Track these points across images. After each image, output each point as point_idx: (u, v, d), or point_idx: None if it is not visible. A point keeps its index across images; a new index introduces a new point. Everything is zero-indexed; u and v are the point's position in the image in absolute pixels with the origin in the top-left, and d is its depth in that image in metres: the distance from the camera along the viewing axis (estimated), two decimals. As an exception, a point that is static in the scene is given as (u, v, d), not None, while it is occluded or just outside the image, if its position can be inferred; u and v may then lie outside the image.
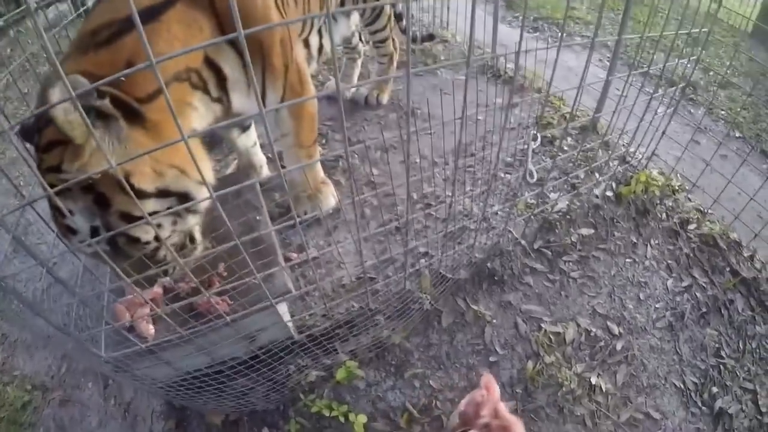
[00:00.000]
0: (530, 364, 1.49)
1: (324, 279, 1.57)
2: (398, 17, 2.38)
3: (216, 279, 1.28)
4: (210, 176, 1.18)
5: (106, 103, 0.87)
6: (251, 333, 1.29)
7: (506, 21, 3.86)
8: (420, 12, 3.28)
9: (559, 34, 3.47)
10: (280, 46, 1.33)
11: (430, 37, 2.75)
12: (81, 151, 0.89)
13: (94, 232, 0.98)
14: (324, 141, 2.17)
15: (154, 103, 1.00)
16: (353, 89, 2.46)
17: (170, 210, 1.02)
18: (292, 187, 1.77)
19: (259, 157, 1.92)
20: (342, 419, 1.37)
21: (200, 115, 1.21)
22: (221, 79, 1.23)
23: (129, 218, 0.97)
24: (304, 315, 1.47)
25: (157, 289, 1.30)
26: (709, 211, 1.95)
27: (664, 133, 1.82)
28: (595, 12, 3.84)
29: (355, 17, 2.19)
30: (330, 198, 1.76)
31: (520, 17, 3.80)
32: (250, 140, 1.85)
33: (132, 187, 0.95)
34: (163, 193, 1.03)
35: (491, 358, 1.50)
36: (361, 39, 2.50)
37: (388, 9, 2.19)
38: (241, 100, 1.30)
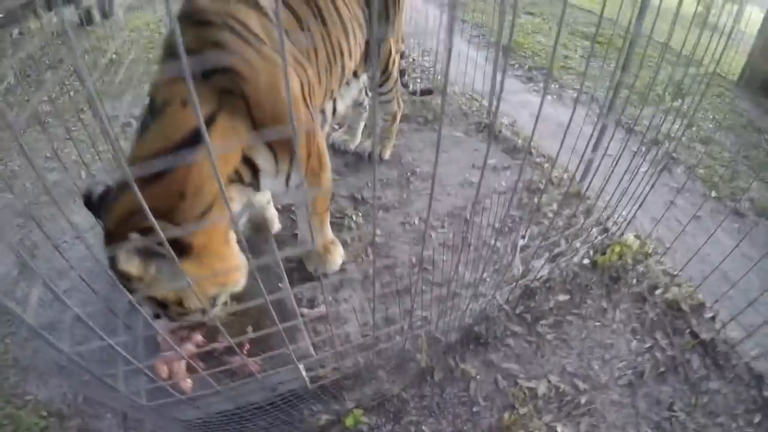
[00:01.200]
0: (506, 415, 1.77)
1: (334, 336, 1.84)
2: (401, 73, 2.62)
3: (246, 342, 1.57)
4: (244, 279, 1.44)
5: (163, 249, 1.14)
6: (273, 385, 1.58)
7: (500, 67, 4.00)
8: (422, 57, 3.44)
9: (544, 86, 3.60)
10: (305, 139, 1.58)
11: (429, 92, 2.95)
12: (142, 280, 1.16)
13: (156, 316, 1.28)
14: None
15: (202, 232, 1.25)
16: (357, 143, 2.69)
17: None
18: (304, 245, 2.05)
19: (272, 212, 2.20)
20: None
21: (236, 202, 1.48)
22: (255, 170, 1.47)
23: (181, 312, 1.26)
24: (317, 369, 1.76)
25: (191, 347, 1.57)
26: (679, 273, 2.20)
27: (644, 198, 2.05)
28: (593, 63, 3.93)
29: (364, 78, 2.43)
30: (338, 259, 2.04)
31: (516, 65, 3.95)
32: (264, 198, 2.12)
33: (181, 304, 1.24)
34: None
35: (474, 408, 1.79)
36: (366, 93, 2.69)
37: (395, 72, 2.45)
38: (268, 182, 1.55)
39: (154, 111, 1.27)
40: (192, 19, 1.32)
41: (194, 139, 1.18)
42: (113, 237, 1.15)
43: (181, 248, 1.19)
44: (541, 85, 3.65)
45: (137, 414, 1.69)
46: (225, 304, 1.46)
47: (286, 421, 1.64)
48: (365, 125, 2.81)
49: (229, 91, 1.31)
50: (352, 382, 1.74)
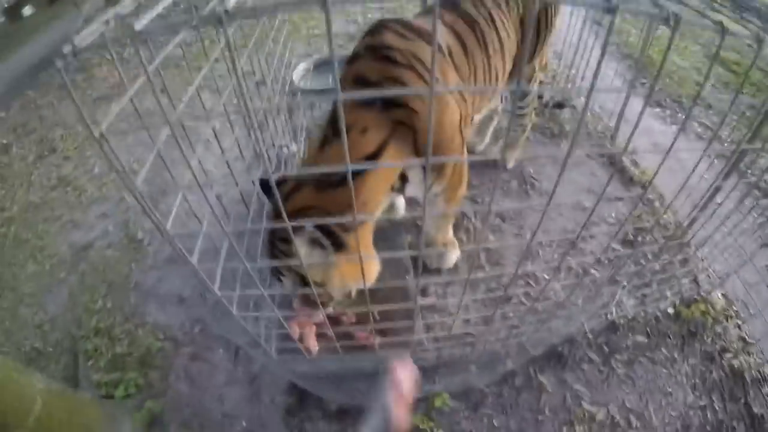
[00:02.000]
0: (564, 429, 2.04)
1: (440, 326, 2.10)
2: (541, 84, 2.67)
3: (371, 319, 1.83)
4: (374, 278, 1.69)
5: (326, 242, 1.41)
6: (382, 359, 1.86)
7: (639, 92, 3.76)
8: (560, 66, 3.38)
9: (681, 122, 3.39)
10: (452, 163, 1.78)
11: (560, 105, 2.98)
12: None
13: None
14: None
15: (353, 233, 1.49)
16: (485, 144, 2.79)
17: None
18: (426, 240, 2.26)
19: (400, 200, 2.40)
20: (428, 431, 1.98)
21: (383, 204, 1.73)
22: (404, 180, 1.73)
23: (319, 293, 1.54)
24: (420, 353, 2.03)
25: (321, 317, 1.83)
26: (753, 342, 2.31)
27: (745, 261, 2.14)
28: (722, 95, 3.71)
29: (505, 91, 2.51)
30: (453, 258, 2.25)
31: (645, 84, 3.74)
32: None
33: (322, 286, 1.55)
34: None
35: (539, 417, 2.06)
36: (501, 99, 2.77)
37: (535, 89, 2.50)
38: (412, 190, 1.81)
39: (336, 128, 1.50)
40: (378, 54, 1.51)
41: (370, 158, 1.47)
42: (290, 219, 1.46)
43: (339, 244, 1.46)
44: (668, 112, 3.56)
45: (255, 354, 1.96)
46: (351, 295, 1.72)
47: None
48: (494, 129, 2.87)
49: (401, 123, 1.51)
50: (445, 369, 2.01)
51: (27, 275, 2.79)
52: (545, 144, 2.88)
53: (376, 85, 1.48)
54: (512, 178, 2.67)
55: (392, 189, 1.72)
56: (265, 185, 1.59)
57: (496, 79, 2.04)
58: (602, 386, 2.16)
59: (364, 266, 1.51)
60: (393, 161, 1.54)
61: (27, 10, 5.17)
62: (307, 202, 1.47)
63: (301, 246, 1.38)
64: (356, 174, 1.44)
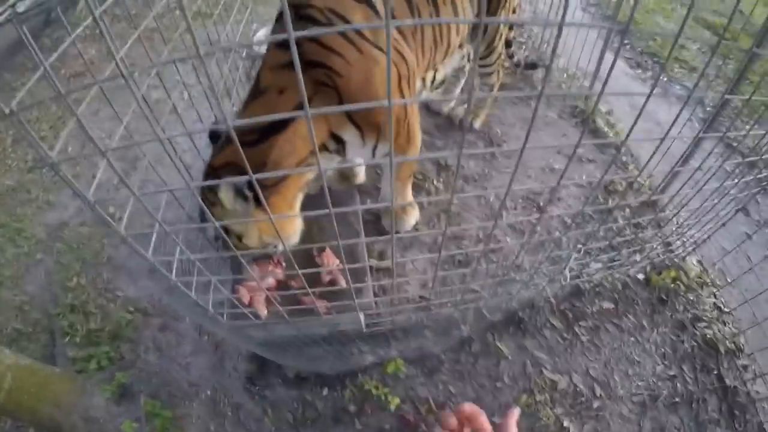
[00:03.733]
0: (524, 397, 1.95)
1: (394, 289, 2.00)
2: (508, 44, 2.55)
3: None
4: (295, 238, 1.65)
5: (249, 194, 1.38)
6: (334, 324, 1.77)
7: (613, 47, 3.69)
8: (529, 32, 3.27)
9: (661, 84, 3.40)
10: (395, 123, 1.68)
11: (533, 66, 2.87)
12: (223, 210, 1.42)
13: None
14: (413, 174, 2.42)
15: (275, 189, 1.49)
16: (451, 105, 2.68)
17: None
18: (383, 201, 2.14)
19: (361, 166, 2.28)
20: (382, 398, 1.89)
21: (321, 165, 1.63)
22: (340, 142, 1.63)
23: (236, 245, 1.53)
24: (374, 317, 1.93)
25: (272, 281, 1.76)
26: (729, 311, 2.22)
27: (721, 225, 2.04)
28: (705, 56, 3.62)
29: (467, 48, 2.40)
30: (412, 220, 2.14)
31: (627, 46, 3.67)
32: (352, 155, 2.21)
33: (240, 240, 1.54)
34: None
35: (498, 384, 1.97)
36: (468, 59, 2.66)
37: (500, 48, 2.39)
38: (354, 152, 1.70)
39: (257, 89, 1.49)
40: (299, 13, 1.44)
41: (283, 122, 1.43)
42: (213, 173, 1.44)
43: (258, 200, 1.42)
44: (649, 74, 3.44)
45: (211, 325, 1.92)
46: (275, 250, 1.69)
47: (338, 354, 1.84)
48: (462, 90, 2.77)
49: (323, 83, 1.45)
50: (401, 334, 1.91)
51: (7, 258, 2.80)
52: (515, 105, 2.77)
53: (297, 46, 1.39)
54: (478, 139, 2.57)
55: (328, 151, 1.63)
56: (212, 137, 1.60)
57: (448, 33, 1.93)
58: (565, 353, 2.06)
59: (284, 223, 1.57)
60: (313, 121, 1.45)
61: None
62: (230, 157, 1.46)
63: (226, 192, 1.38)
64: (271, 132, 1.43)
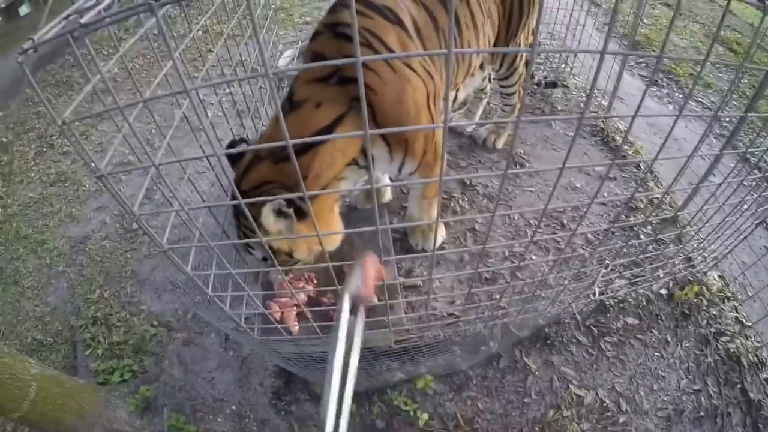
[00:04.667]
0: (551, 413, 1.99)
1: (424, 305, 2.05)
2: (527, 63, 2.60)
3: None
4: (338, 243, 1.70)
5: (290, 211, 1.41)
6: (365, 340, 1.81)
7: (627, 66, 3.68)
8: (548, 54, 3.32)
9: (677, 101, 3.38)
10: (422, 140, 1.72)
11: (553, 85, 2.92)
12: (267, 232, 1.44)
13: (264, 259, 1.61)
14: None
15: (315, 200, 1.53)
16: (473, 127, 2.73)
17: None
18: (410, 220, 2.20)
19: (386, 182, 2.34)
20: (411, 414, 1.93)
21: (350, 180, 1.69)
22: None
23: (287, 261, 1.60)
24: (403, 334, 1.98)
25: (303, 297, 1.80)
26: (750, 325, 2.23)
27: (741, 240, 2.05)
28: (721, 74, 3.62)
29: (489, 69, 2.45)
30: (439, 238, 2.18)
31: (642, 64, 3.69)
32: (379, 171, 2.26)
33: (291, 256, 1.59)
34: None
35: (525, 399, 2.01)
36: (489, 80, 2.72)
37: (521, 69, 2.44)
38: (382, 167, 1.76)
39: (292, 102, 1.52)
40: (335, 31, 1.50)
41: (325, 131, 1.46)
42: (248, 194, 1.47)
43: (300, 214, 1.46)
44: (665, 91, 3.47)
45: (241, 338, 1.96)
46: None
47: (367, 371, 1.89)
48: (483, 110, 2.82)
49: (358, 99, 1.46)
50: (429, 350, 1.96)
51: (28, 269, 2.87)
52: (536, 125, 2.80)
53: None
54: (501, 158, 2.60)
55: (357, 165, 1.68)
56: (231, 157, 1.62)
57: (470, 55, 2.00)
58: (591, 369, 2.09)
59: (331, 230, 1.61)
60: (349, 131, 1.53)
61: (23, 9, 5.28)
62: (264, 176, 1.49)
63: (267, 216, 1.40)
64: (310, 146, 1.46)
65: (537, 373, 2.05)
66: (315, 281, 1.85)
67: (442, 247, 2.18)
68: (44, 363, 2.15)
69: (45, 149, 3.90)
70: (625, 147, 2.72)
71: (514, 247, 2.26)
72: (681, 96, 3.37)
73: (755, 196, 2.00)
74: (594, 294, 1.89)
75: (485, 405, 1.99)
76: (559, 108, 3.01)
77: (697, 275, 2.34)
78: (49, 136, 4.02)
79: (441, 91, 1.80)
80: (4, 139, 4.09)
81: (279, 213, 1.42)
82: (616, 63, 2.81)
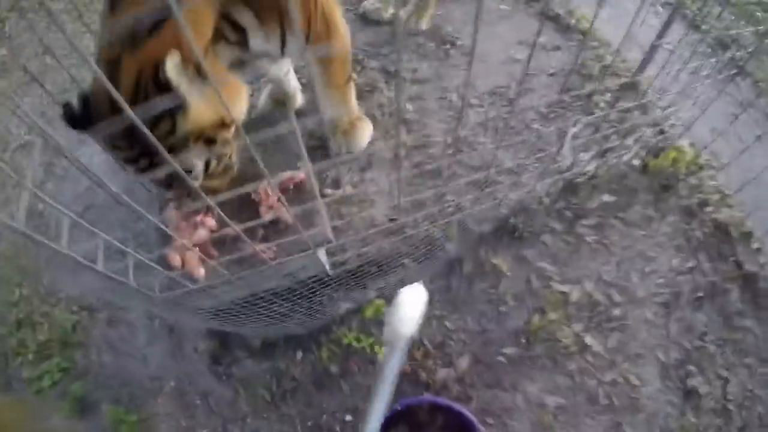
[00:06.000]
0: (536, 318, 1.60)
1: (357, 219, 1.59)
2: None
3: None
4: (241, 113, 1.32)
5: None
6: (291, 271, 1.36)
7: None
8: None
9: None
10: (299, 4, 1.29)
11: None
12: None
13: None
14: (359, 68, 2.08)
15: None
16: (390, 11, 2.29)
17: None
18: (328, 123, 1.74)
19: (293, 84, 1.85)
20: (368, 350, 1.50)
21: (224, 59, 1.27)
22: (240, 31, 1.25)
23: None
24: (339, 254, 1.52)
25: (204, 233, 1.37)
26: (731, 194, 1.96)
27: (707, 105, 1.79)
28: None
29: None
30: (365, 136, 1.73)
31: None
32: (281, 70, 1.78)
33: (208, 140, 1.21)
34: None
35: (501, 308, 1.61)
36: None
37: None
38: (258, 44, 1.29)
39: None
40: None
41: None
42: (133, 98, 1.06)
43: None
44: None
45: (154, 308, 1.54)
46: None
47: (307, 309, 1.44)
48: None
49: None
50: (376, 269, 1.52)
51: None
52: (463, 3, 2.37)
53: None
54: (428, 40, 2.17)
55: (227, 41, 1.24)
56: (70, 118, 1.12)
57: None
58: (571, 260, 1.73)
59: (230, 89, 1.26)
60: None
61: None
62: (135, 67, 1.08)
63: (172, 68, 1.05)
64: (158, 26, 1.07)
65: (509, 273, 1.66)
66: (215, 212, 1.38)
67: (370, 146, 1.72)
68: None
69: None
70: (567, 16, 2.34)
71: (457, 132, 1.83)
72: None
73: (713, 60, 1.74)
74: (561, 169, 1.52)
75: (455, 323, 1.58)
76: None
77: (669, 142, 2.01)
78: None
79: None
80: None
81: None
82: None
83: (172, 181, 1.25)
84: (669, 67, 1.63)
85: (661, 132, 2.05)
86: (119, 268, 0.93)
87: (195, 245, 1.35)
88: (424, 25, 2.24)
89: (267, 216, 1.42)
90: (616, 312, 1.69)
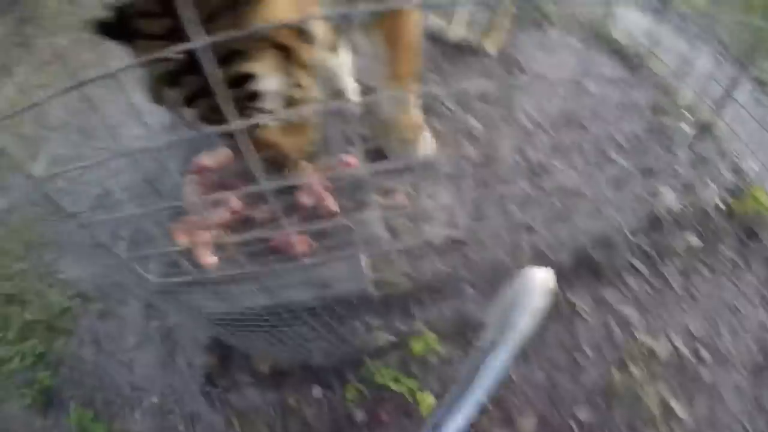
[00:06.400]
0: (617, 374, 1.35)
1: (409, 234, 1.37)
2: None
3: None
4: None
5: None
6: (325, 280, 1.11)
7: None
8: None
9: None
10: None
11: None
12: None
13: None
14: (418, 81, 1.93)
15: None
16: (459, 34, 2.18)
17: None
18: (385, 126, 1.54)
19: (350, 84, 1.68)
20: (408, 396, 1.22)
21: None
22: None
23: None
24: (385, 272, 1.29)
25: (225, 214, 1.14)
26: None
27: None
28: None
29: None
30: (425, 144, 1.54)
31: None
32: (341, 66, 1.60)
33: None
34: None
35: (577, 357, 1.36)
36: None
37: None
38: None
39: None
40: None
41: None
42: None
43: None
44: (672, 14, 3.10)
45: (151, 298, 1.31)
46: None
47: (335, 334, 1.19)
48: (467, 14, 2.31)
49: None
50: (428, 296, 1.28)
51: None
52: (530, 34, 2.27)
53: None
54: (496, 64, 2.07)
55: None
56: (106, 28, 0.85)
57: None
58: (656, 307, 1.48)
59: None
60: None
61: None
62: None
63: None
64: None
65: (588, 317, 1.41)
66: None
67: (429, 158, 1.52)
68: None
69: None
70: (632, 51, 2.21)
71: (527, 152, 1.63)
72: (678, 18, 2.99)
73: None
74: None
75: (520, 372, 1.32)
76: (554, 18, 2.53)
77: (749, 184, 1.82)
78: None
79: None
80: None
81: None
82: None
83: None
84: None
85: (740, 174, 1.86)
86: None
87: (209, 226, 1.14)
88: (493, 49, 2.13)
89: (307, 201, 1.19)
90: (704, 372, 1.43)
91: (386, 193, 1.47)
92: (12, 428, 1.68)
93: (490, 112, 1.76)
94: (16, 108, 0.60)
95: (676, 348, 1.43)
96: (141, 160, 1.27)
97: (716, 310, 1.54)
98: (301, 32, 0.95)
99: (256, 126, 0.95)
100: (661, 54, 2.07)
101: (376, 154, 1.57)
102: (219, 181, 1.27)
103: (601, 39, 2.30)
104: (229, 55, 0.84)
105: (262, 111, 0.92)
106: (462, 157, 1.60)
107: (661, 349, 1.41)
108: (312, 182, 1.22)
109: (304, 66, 0.97)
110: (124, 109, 2.19)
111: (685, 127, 1.99)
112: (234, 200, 1.18)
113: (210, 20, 0.80)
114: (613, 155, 1.68)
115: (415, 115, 1.56)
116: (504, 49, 2.17)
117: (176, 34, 0.79)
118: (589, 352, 1.36)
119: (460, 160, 1.57)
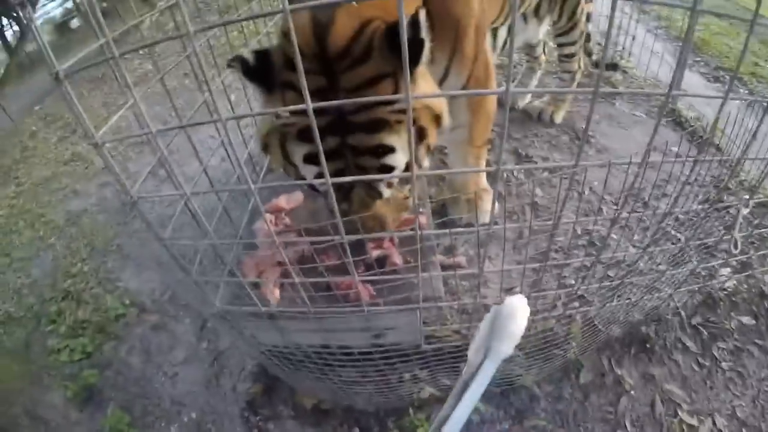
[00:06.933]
0: (657, 452, 1.39)
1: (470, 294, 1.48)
2: (587, 37, 2.23)
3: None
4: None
5: None
6: (381, 329, 1.21)
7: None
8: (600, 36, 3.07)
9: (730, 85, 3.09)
10: (473, 33, 1.26)
11: (614, 67, 2.65)
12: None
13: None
14: (489, 147, 2.04)
15: None
16: (527, 101, 2.31)
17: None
18: (452, 187, 1.66)
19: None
20: None
21: None
22: None
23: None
24: (437, 325, 1.39)
25: (293, 255, 1.24)
26: None
27: None
28: None
29: (546, 25, 2.09)
30: (489, 210, 1.65)
31: (701, 62, 3.46)
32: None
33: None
34: None
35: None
36: (544, 51, 2.42)
37: (582, 24, 2.07)
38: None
39: None
40: None
41: None
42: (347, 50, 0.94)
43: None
44: (728, 87, 3.14)
45: (210, 319, 1.44)
46: None
47: (384, 380, 1.30)
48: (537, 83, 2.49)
49: None
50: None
51: (22, 242, 2.79)
52: (597, 104, 2.33)
53: None
54: (561, 133, 2.17)
55: None
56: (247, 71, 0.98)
57: None
58: (703, 387, 1.51)
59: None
60: None
61: (75, 22, 5.96)
62: (357, 15, 0.96)
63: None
64: None
65: (633, 392, 1.46)
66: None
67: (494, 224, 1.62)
68: (10, 338, 2.10)
69: (68, 135, 3.95)
70: (699, 128, 2.27)
71: (589, 225, 1.71)
72: (746, 92, 3.04)
73: None
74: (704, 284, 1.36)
75: (561, 440, 1.39)
76: (621, 89, 2.66)
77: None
78: (75, 124, 4.00)
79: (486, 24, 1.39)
80: (34, 128, 4.32)
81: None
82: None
83: (353, 185, 1.05)
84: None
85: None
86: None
87: (279, 264, 1.20)
88: (558, 119, 2.25)
89: (374, 253, 1.29)
90: (748, 458, 1.45)
91: (448, 251, 1.59)
92: (47, 415, 1.75)
93: (553, 182, 1.85)
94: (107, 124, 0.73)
95: (720, 429, 1.46)
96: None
97: (765, 392, 1.55)
98: (437, 116, 1.06)
99: (375, 196, 1.07)
100: (726, 128, 2.08)
101: (440, 213, 1.69)
102: (291, 224, 1.40)
103: (667, 112, 2.36)
104: (373, 124, 0.94)
105: (388, 185, 1.05)
106: (524, 223, 1.70)
107: (705, 430, 1.44)
108: (382, 235, 1.34)
109: (428, 148, 1.08)
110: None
111: (747, 205, 2.00)
112: (303, 244, 1.29)
113: (358, 90, 0.93)
114: (672, 231, 1.72)
115: (482, 177, 1.68)
116: (570, 119, 2.27)
117: (324, 93, 0.93)
118: (629, 427, 1.41)
119: (523, 227, 1.66)
